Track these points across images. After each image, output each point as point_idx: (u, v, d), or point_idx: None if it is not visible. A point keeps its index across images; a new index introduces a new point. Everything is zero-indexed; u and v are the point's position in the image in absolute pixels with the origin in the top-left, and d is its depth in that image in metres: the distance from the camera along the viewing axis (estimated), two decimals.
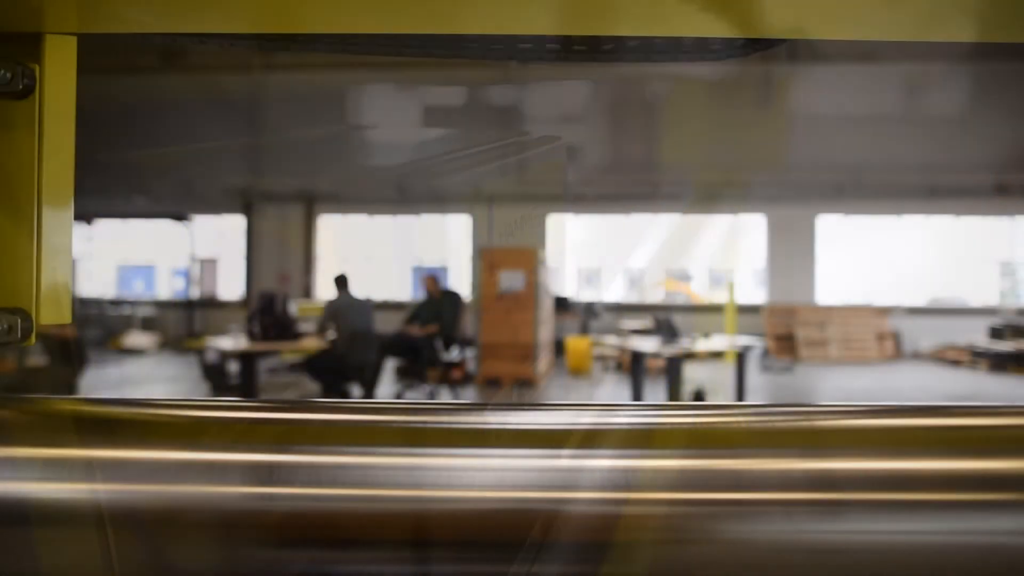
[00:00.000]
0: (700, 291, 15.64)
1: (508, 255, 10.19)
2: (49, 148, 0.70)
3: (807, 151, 14.36)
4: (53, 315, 0.70)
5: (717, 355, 11.98)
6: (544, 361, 10.55)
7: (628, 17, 0.61)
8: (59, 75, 0.70)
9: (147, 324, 15.60)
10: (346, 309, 7.66)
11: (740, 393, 7.30)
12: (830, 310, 14.27)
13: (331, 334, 7.55)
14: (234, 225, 16.08)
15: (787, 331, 14.06)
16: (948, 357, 13.22)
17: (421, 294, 12.54)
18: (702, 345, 7.21)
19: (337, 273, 8.13)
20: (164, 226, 16.05)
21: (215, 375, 8.49)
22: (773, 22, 0.68)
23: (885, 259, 14.97)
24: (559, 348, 12.24)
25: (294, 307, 9.33)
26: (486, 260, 10.13)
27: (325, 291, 14.33)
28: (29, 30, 0.68)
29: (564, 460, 0.60)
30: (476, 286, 10.49)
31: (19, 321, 0.67)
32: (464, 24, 0.62)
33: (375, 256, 15.97)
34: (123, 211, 15.73)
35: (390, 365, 9.06)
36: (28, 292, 0.69)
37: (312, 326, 8.54)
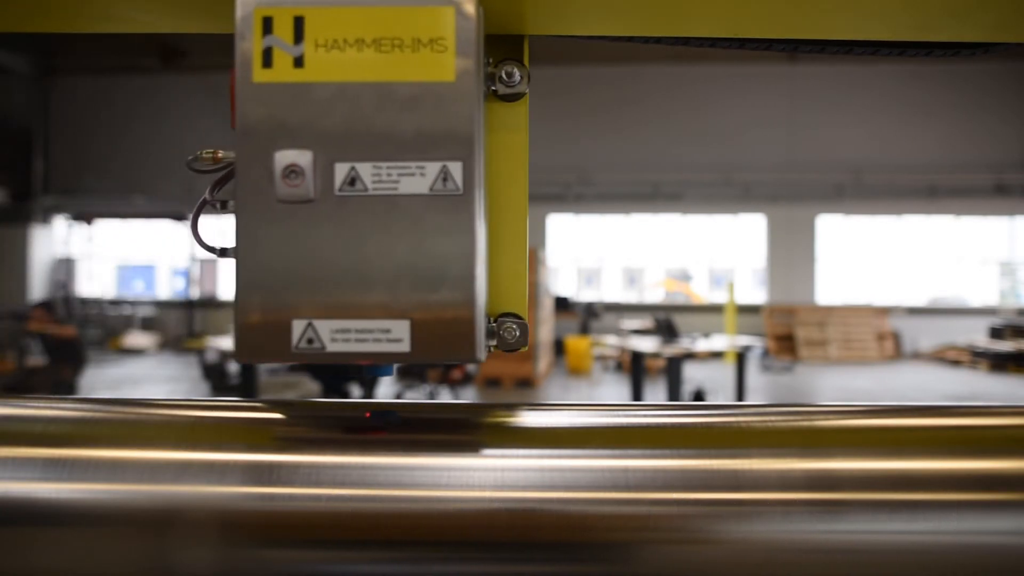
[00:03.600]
0: (700, 291, 15.65)
1: None
2: (528, 151, 0.69)
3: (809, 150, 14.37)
4: (526, 319, 0.69)
5: (717, 355, 12.00)
6: (544, 361, 10.55)
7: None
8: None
9: (147, 324, 15.60)
10: None
11: (740, 393, 7.30)
12: (830, 310, 14.27)
13: None
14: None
15: (787, 331, 14.06)
16: (948, 357, 13.22)
17: None
18: (702, 345, 7.21)
19: None
20: (164, 226, 16.05)
21: (215, 375, 8.49)
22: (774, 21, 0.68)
23: (885, 259, 14.97)
24: (559, 348, 12.23)
25: None
26: None
27: None
28: (518, 32, 0.67)
29: (564, 460, 0.60)
30: None
31: (525, 327, 0.66)
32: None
33: None
34: (123, 211, 15.73)
35: None
36: (523, 297, 0.67)
37: None
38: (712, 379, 9.57)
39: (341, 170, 0.54)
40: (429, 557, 0.57)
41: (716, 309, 14.38)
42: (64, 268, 15.81)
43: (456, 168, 0.54)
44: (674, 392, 6.30)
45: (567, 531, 0.57)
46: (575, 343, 11.27)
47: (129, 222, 16.32)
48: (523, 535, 0.57)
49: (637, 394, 7.07)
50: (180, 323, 15.41)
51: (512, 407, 0.67)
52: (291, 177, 0.54)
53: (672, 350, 6.51)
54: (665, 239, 15.39)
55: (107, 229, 16.39)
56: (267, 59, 0.54)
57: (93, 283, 16.47)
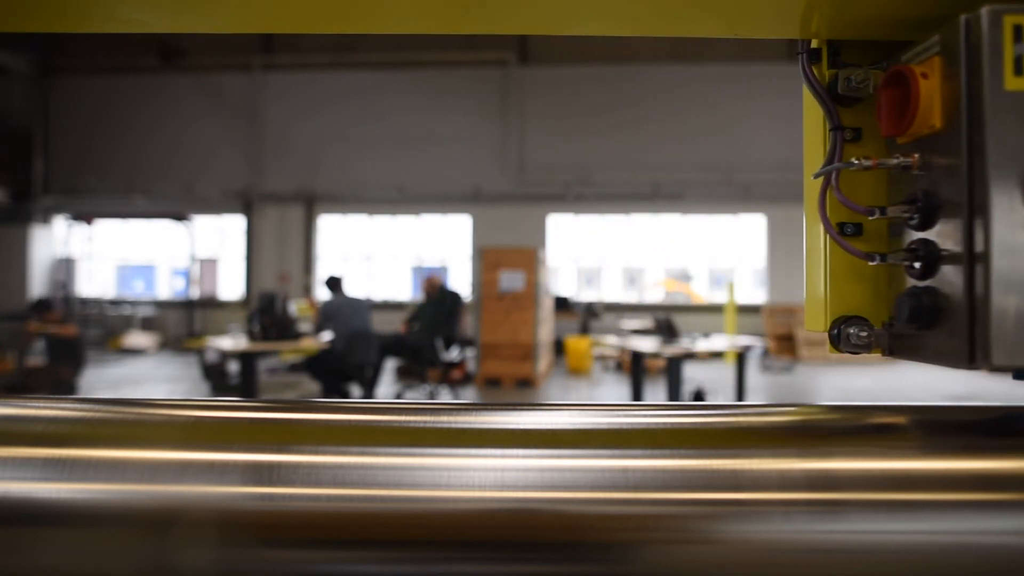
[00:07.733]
0: (700, 291, 15.64)
1: (508, 255, 10.18)
2: None
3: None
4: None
5: (717, 355, 12.00)
6: (544, 361, 10.55)
7: None
8: None
9: (147, 324, 15.60)
10: (342, 310, 7.68)
11: (740, 393, 7.30)
12: None
13: (326, 335, 7.56)
14: (234, 225, 16.08)
15: (787, 331, 14.07)
16: None
17: (421, 294, 12.55)
18: (702, 345, 7.21)
19: (328, 276, 8.26)
20: (164, 226, 16.06)
21: (215, 375, 8.50)
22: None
23: None
24: (559, 348, 12.23)
25: (294, 307, 9.34)
26: (486, 260, 10.13)
27: (325, 291, 14.34)
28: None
29: (564, 460, 0.60)
30: (476, 286, 10.49)
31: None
32: None
33: (375, 256, 15.97)
34: (123, 211, 15.73)
35: (390, 365, 9.07)
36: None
37: (311, 326, 8.56)
38: (712, 379, 9.57)
39: None
40: (429, 557, 0.57)
41: (716, 309, 14.38)
42: (64, 268, 15.81)
43: None
44: (674, 392, 6.30)
45: (567, 531, 0.57)
46: (575, 343, 11.27)
47: (129, 222, 16.32)
48: (523, 535, 0.57)
49: (637, 394, 7.08)
50: (180, 323, 15.41)
51: (512, 407, 0.66)
52: None
53: (672, 350, 6.51)
54: (665, 239, 15.39)
55: (107, 229, 16.39)
56: (1018, 67, 0.56)
57: (93, 283, 16.47)
